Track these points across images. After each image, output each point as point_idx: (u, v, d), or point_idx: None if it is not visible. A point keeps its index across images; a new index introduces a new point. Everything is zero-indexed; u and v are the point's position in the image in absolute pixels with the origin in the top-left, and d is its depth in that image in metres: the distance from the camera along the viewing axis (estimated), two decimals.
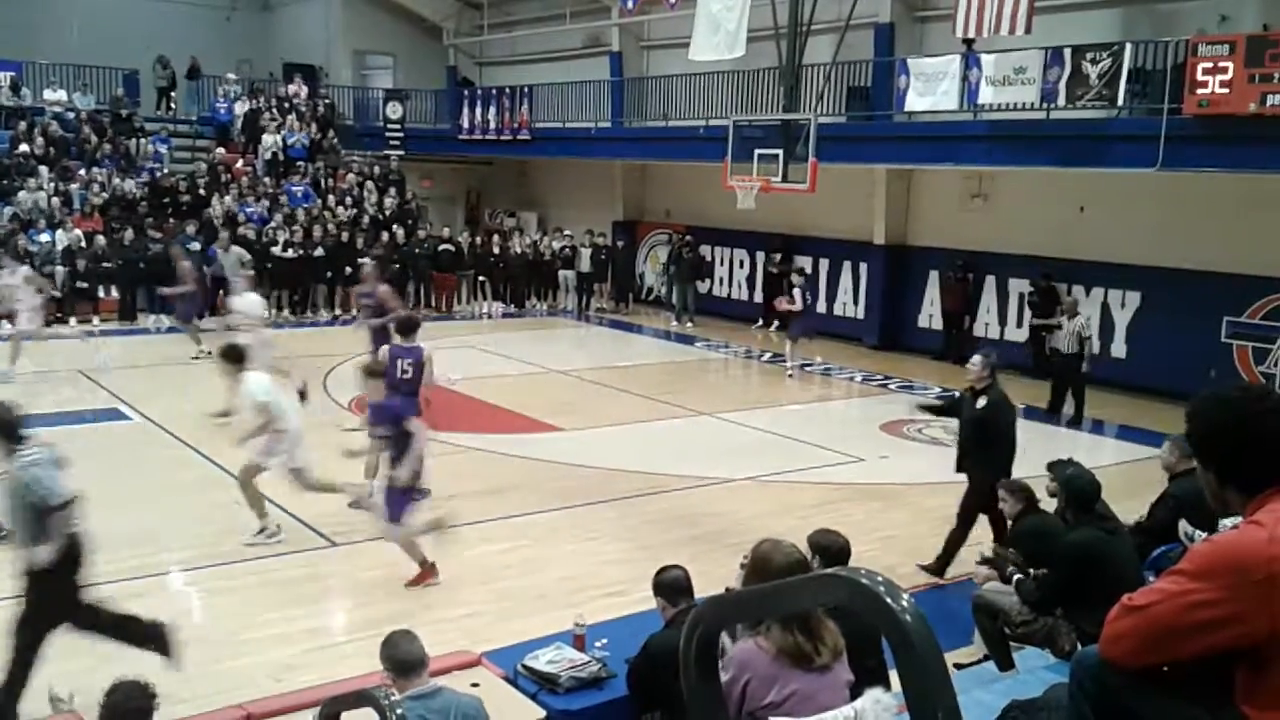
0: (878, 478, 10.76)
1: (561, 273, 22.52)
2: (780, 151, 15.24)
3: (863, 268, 19.08)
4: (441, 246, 21.69)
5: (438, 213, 25.01)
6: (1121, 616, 2.09)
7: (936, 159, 16.27)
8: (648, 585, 4.59)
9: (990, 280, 17.24)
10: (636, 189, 23.92)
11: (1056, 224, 16.03)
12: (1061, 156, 14.21)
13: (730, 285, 21.83)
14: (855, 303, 19.28)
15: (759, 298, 20.81)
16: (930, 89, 15.22)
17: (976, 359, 8.10)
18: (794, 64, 15.75)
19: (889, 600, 1.58)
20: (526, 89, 23.46)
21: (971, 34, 14.37)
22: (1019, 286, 16.73)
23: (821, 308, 19.51)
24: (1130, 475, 8.72)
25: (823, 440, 11.78)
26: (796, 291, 15.92)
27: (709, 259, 21.79)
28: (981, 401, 7.93)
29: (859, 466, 11.12)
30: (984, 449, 7.78)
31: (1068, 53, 13.39)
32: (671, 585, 4.49)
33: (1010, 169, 15.77)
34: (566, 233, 23.05)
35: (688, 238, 21.64)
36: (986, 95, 14.49)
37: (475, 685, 4.53)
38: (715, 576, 5.28)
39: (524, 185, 26.67)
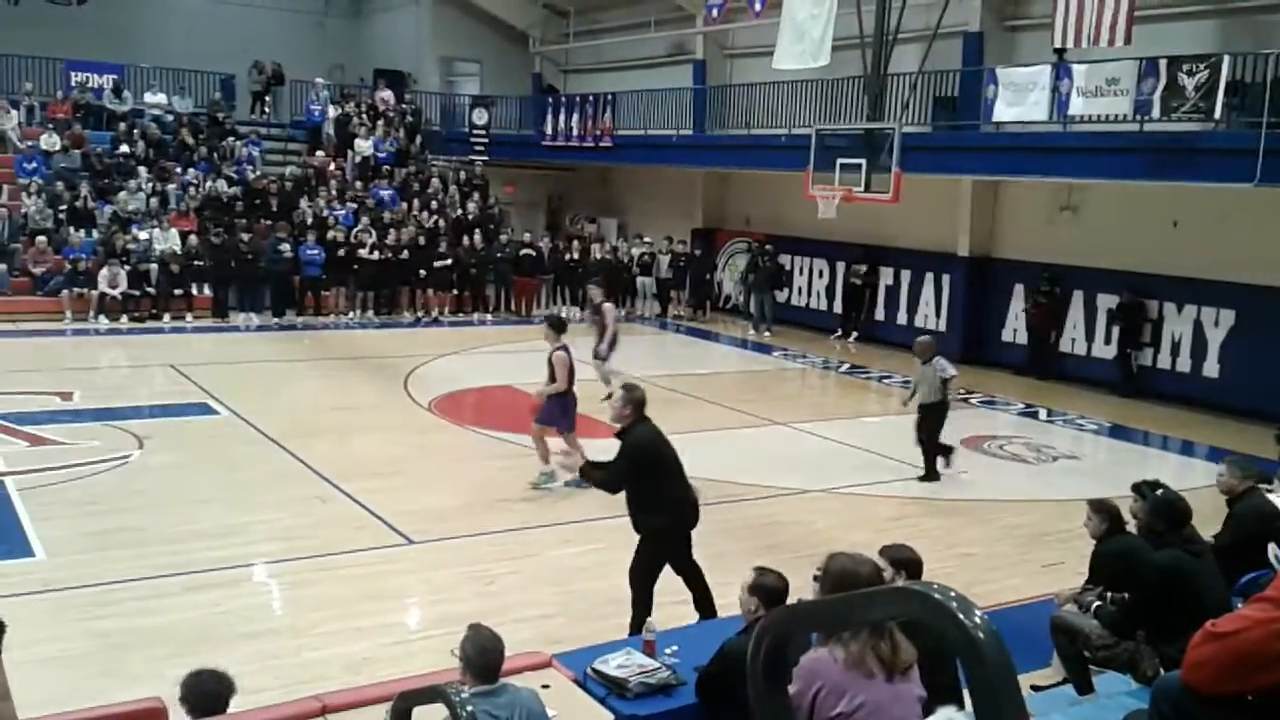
0: (957, 493, 10.60)
1: (640, 279, 22.60)
2: (863, 161, 15.11)
3: (945, 279, 18.81)
4: (522, 251, 21.93)
5: (519, 218, 25.28)
6: (1205, 643, 2.05)
7: (1024, 170, 15.97)
8: (717, 593, 4.60)
9: (1078, 295, 16.86)
10: (717, 197, 23.91)
11: (1148, 239, 15.62)
12: (1154, 169, 13.85)
13: (809, 295, 21.69)
14: (937, 315, 19.02)
15: (838, 308, 20.65)
16: (1019, 99, 14.96)
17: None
18: (879, 73, 15.62)
19: (961, 615, 1.56)
20: (610, 96, 23.60)
21: (1069, 44, 14.09)
22: (1107, 302, 16.35)
23: (902, 319, 19.28)
24: (1219, 499, 8.46)
25: (901, 453, 11.62)
26: None
27: (788, 268, 21.69)
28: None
29: (938, 482, 10.96)
30: None
31: (1163, 64, 13.05)
32: (771, 591, 4.48)
33: (1100, 181, 15.43)
34: (646, 239, 23.13)
35: (767, 246, 21.57)
36: (1077, 106, 14.18)
37: (546, 686, 4.58)
38: (791, 588, 5.26)
39: (605, 191, 26.83)
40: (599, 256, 22.63)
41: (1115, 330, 16.05)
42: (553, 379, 9.88)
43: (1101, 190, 16.07)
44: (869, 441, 12.52)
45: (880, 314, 19.81)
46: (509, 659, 4.18)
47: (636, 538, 6.57)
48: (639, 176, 25.17)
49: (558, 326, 10.17)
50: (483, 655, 3.92)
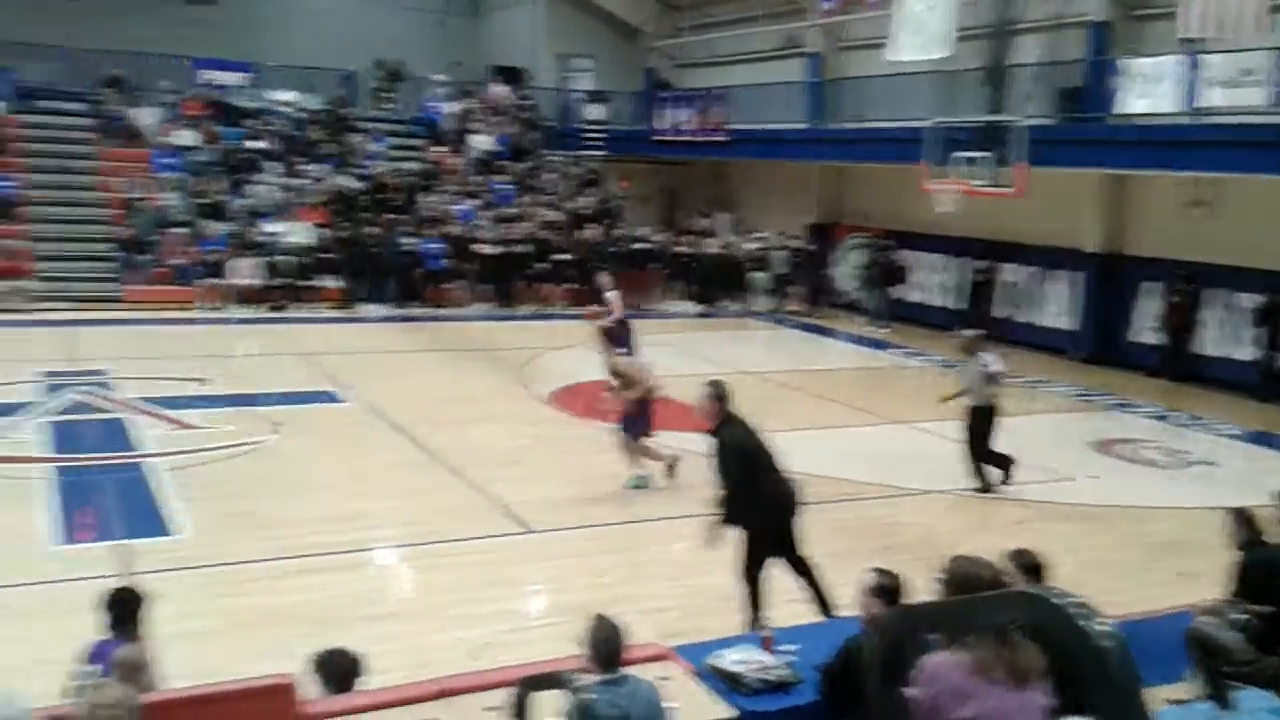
0: (1086, 498, 10.28)
1: (754, 274, 22.50)
2: (984, 154, 14.78)
3: (1071, 276, 18.24)
4: (636, 245, 22.04)
5: (634, 212, 25.42)
6: None
7: (1154, 164, 15.38)
8: (841, 593, 4.57)
9: (1215, 295, 16.15)
10: (833, 191, 23.64)
11: None
12: None
13: (928, 291, 21.28)
14: (1063, 313, 18.46)
15: (958, 305, 20.21)
16: (1148, 90, 14.44)
17: None
18: (1000, 64, 15.23)
19: (1082, 622, 1.53)
20: (723, 90, 23.53)
21: (1199, 34, 13.53)
22: (1246, 301, 15.63)
23: (1026, 317, 18.78)
24: None
25: (1026, 456, 11.33)
26: None
27: (906, 264, 21.32)
28: None
29: (1066, 485, 10.66)
30: None
31: None
32: (888, 592, 4.45)
33: (1237, 175, 14.76)
34: (760, 234, 23.00)
35: (884, 241, 21.24)
36: (1209, 97, 13.60)
37: (665, 679, 4.62)
38: (909, 590, 5.20)
39: (719, 186, 26.78)
40: (712, 251, 22.60)
41: (1256, 332, 15.34)
42: (627, 386, 9.86)
43: (1239, 185, 15.36)
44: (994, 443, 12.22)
45: (1002, 311, 19.31)
46: (627, 651, 4.23)
47: (739, 533, 6.58)
48: (753, 171, 25.05)
49: (610, 335, 10.19)
50: (606, 645, 3.97)
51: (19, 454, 10.16)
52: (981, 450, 10.16)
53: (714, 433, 6.65)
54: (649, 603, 7.13)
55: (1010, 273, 19.19)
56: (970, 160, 15.03)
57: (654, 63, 28.01)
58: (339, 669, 4.64)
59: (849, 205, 23.46)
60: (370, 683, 4.79)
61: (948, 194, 15.27)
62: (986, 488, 10.14)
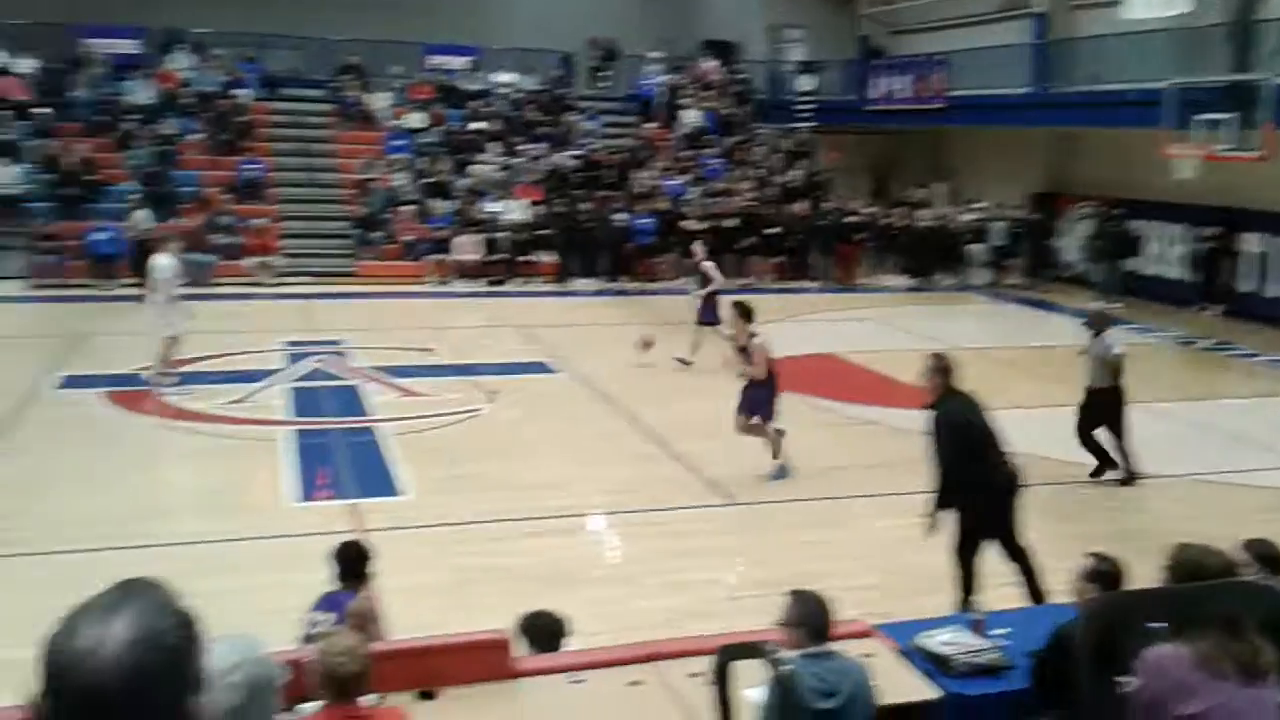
0: None
1: (971, 246, 21.69)
2: (1229, 116, 13.69)
3: None
4: (847, 218, 21.65)
5: (844, 184, 24.96)
6: None
7: None
8: (1056, 579, 4.40)
9: None
10: (1059, 158, 22.44)
11: None
12: None
13: (1162, 263, 19.93)
14: None
15: (1195, 277, 18.85)
16: None
17: None
18: (1247, 18, 14.04)
19: None
20: (941, 56, 22.70)
21: None
22: None
23: (1276, 290, 17.35)
24: None
25: (1275, 440, 10.50)
26: None
27: (1139, 234, 20.03)
28: None
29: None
30: None
31: None
32: (1107, 578, 4.25)
33: None
34: (978, 204, 22.13)
35: (1115, 211, 20.02)
36: None
37: (869, 656, 4.57)
38: (1130, 578, 4.94)
39: (934, 155, 25.91)
40: (926, 223, 21.93)
41: None
42: (751, 363, 9.34)
43: None
44: (1233, 425, 11.40)
45: (1250, 284, 17.87)
46: (833, 626, 4.21)
47: (954, 513, 6.39)
48: (972, 139, 24.10)
49: (747, 314, 9.44)
50: (814, 617, 3.95)
51: (265, 417, 11.01)
52: (1086, 436, 9.32)
53: (933, 406, 6.47)
54: (853, 579, 7.04)
55: (1255, 242, 17.73)
56: (1213, 123, 13.95)
57: (867, 30, 27.34)
58: (545, 630, 4.82)
59: (1076, 173, 22.22)
60: (580, 644, 4.95)
61: (1188, 159, 14.25)
62: (1118, 470, 9.26)
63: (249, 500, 8.61)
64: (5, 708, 3.50)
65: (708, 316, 13.50)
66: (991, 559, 6.41)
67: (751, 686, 3.96)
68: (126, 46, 22.91)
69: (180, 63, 22.88)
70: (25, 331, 15.23)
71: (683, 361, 13.37)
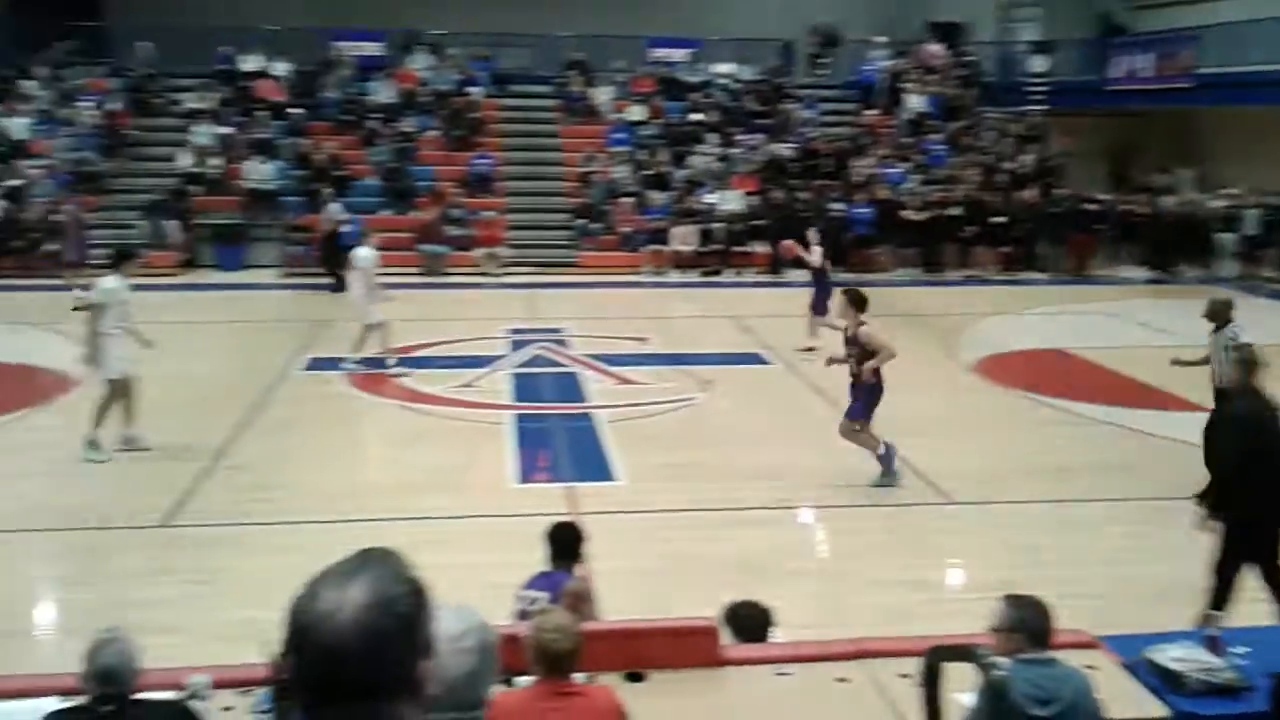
0: None
1: (1220, 235, 20.14)
2: None
3: None
4: (1081, 206, 20.55)
5: (1079, 169, 23.67)
6: None
7: None
8: None
9: None
10: None
11: None
12: None
13: None
14: None
15: None
16: None
17: None
18: None
19: None
20: (1190, 31, 21.14)
21: None
22: None
23: None
24: None
25: None
26: None
27: None
28: None
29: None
30: None
31: None
32: None
33: None
34: (1230, 190, 20.52)
35: None
36: None
37: (1091, 668, 4.36)
38: None
39: (1180, 138, 24.19)
40: (1170, 210, 20.54)
41: None
42: (867, 356, 8.61)
43: None
44: None
45: None
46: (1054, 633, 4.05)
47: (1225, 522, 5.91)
48: (1226, 119, 22.34)
49: (855, 301, 8.77)
50: (1032, 622, 3.80)
51: (490, 401, 11.52)
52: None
53: (1225, 401, 6.01)
54: (1076, 587, 6.69)
55: None
56: None
57: (1107, 6, 25.80)
58: (750, 620, 4.84)
59: None
60: (788, 635, 4.95)
61: None
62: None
63: (473, 480, 9.04)
64: (251, 663, 3.85)
65: (819, 307, 13.25)
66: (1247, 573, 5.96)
67: (962, 690, 3.86)
68: (371, 49, 24.41)
69: (419, 63, 24.15)
70: (278, 316, 16.49)
71: (808, 350, 13.20)
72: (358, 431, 10.74)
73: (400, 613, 1.43)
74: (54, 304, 14.96)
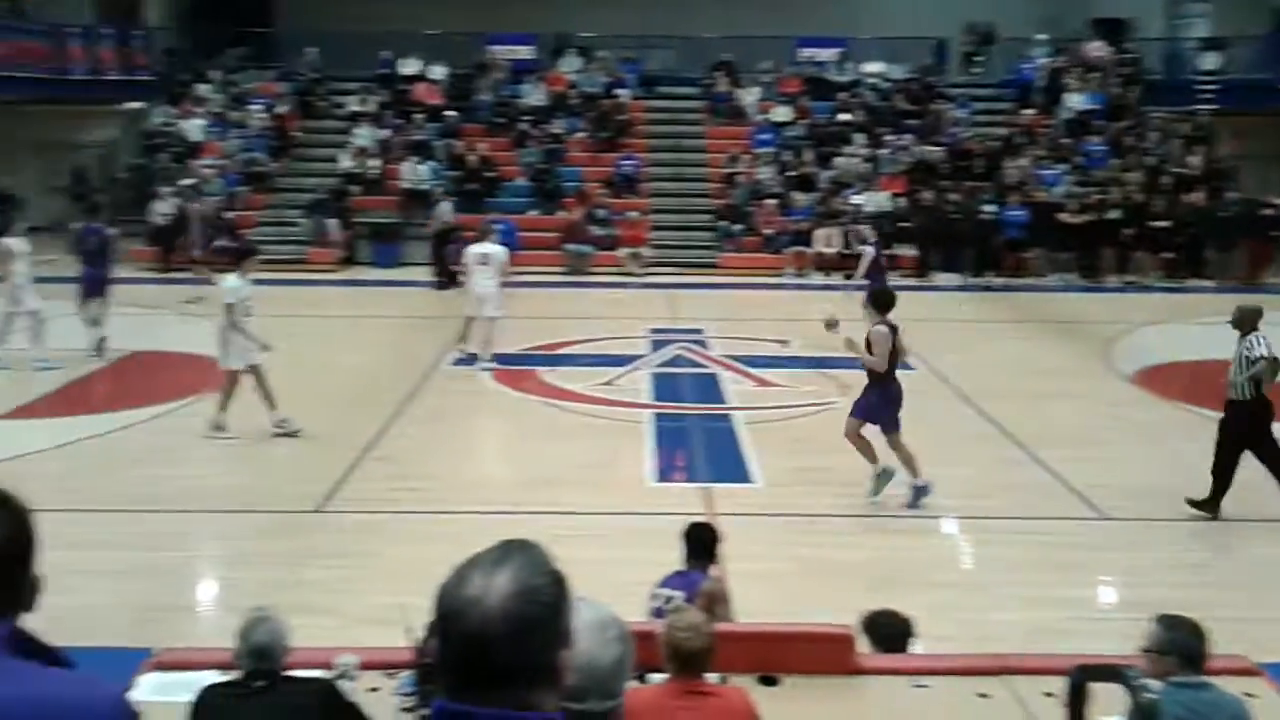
0: None
1: None
2: None
3: None
4: (1256, 210, 19.44)
5: (1252, 173, 22.37)
6: None
7: None
8: None
9: None
10: None
11: None
12: None
13: None
14: None
15: None
16: None
17: None
18: None
19: None
20: None
21: None
22: None
23: None
24: None
25: None
26: None
27: None
28: None
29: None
30: None
31: None
32: None
33: None
34: None
35: None
36: None
37: (1250, 696, 4.13)
38: None
39: None
40: None
41: None
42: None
43: None
44: None
45: None
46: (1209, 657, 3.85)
47: None
48: None
49: (879, 304, 8.53)
50: (1187, 644, 3.63)
51: (630, 399, 11.62)
52: (1225, 462, 7.87)
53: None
54: (1236, 610, 6.36)
55: None
56: None
57: None
58: (891, 630, 4.76)
59: None
60: (920, 648, 4.85)
61: None
62: (1209, 507, 7.92)
63: (611, 477, 9.14)
64: (397, 647, 3.99)
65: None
66: None
67: (1109, 714, 3.71)
68: (523, 52, 24.95)
69: (569, 66, 24.54)
70: (429, 312, 17.00)
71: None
72: (500, 426, 10.99)
73: (543, 602, 1.47)
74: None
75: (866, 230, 14.79)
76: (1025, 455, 9.62)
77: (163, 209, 19.81)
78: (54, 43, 23.43)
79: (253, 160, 21.82)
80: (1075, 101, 23.04)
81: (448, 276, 17.48)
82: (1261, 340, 7.90)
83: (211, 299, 11.95)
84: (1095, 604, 6.93)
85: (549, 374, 12.49)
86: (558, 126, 22.85)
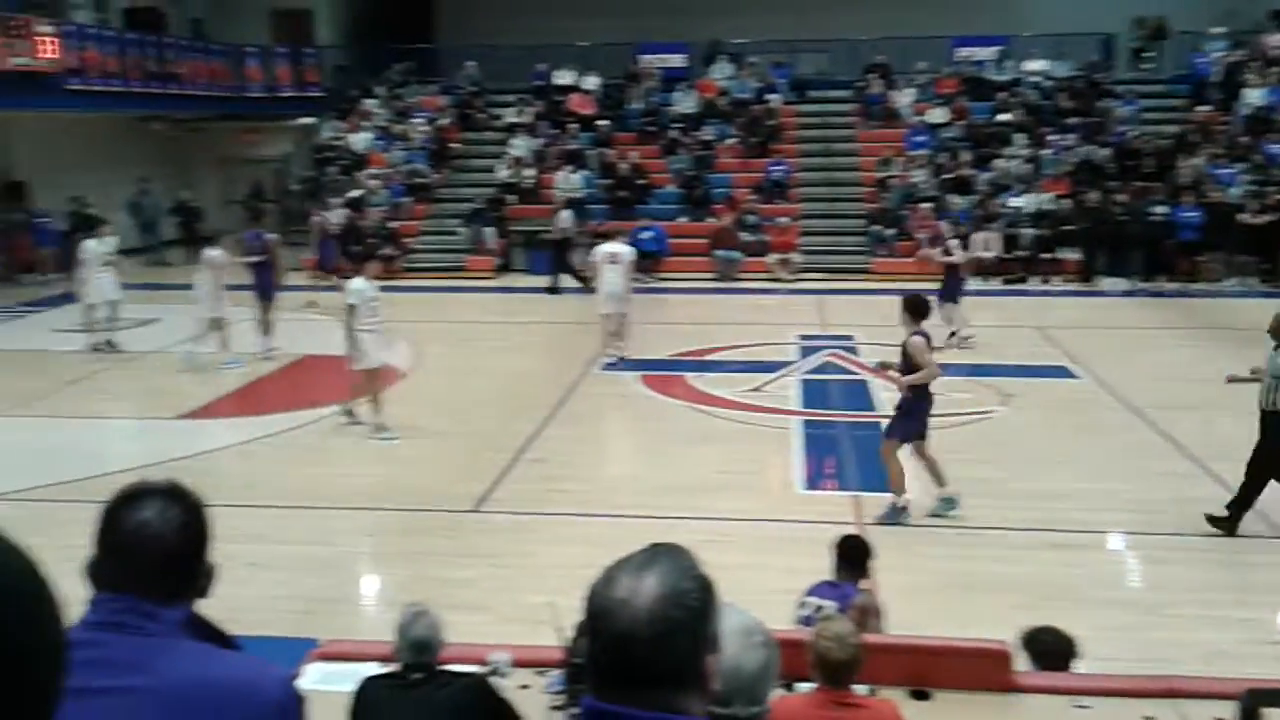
0: None
1: None
2: None
3: None
4: None
5: None
6: None
7: None
8: None
9: None
10: None
11: None
12: None
13: None
14: None
15: None
16: None
17: None
18: None
19: None
20: None
21: None
22: None
23: None
24: None
25: None
26: None
27: None
28: None
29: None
30: None
31: None
32: None
33: None
34: None
35: None
36: None
37: None
38: None
39: None
40: None
41: None
42: (910, 370, 7.99)
43: None
44: None
45: None
46: None
47: None
48: None
49: (915, 311, 8.19)
50: None
51: (778, 406, 11.54)
52: (1253, 474, 7.52)
53: None
54: None
55: None
56: None
57: None
58: (1051, 647, 4.59)
59: None
60: (1082, 667, 4.66)
61: None
62: (1227, 525, 7.55)
63: (759, 483, 9.10)
64: (547, 645, 4.06)
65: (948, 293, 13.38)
66: None
67: None
68: (675, 60, 25.12)
69: (720, 73, 24.58)
70: (582, 318, 17.24)
71: (956, 335, 13.58)
72: (649, 430, 11.07)
73: (690, 606, 1.48)
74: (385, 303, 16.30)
75: (945, 225, 14.77)
76: (1198, 469, 9.13)
77: (332, 219, 20.71)
78: (233, 63, 24.89)
79: (415, 171, 22.61)
80: (1254, 97, 21.73)
81: (581, 280, 17.75)
82: None
83: (329, 302, 12.56)
84: (1271, 626, 6.51)
85: (697, 379, 12.52)
86: (708, 133, 22.90)
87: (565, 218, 19.58)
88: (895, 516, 7.95)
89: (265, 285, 13.91)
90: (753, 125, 22.98)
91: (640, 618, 1.44)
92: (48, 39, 18.83)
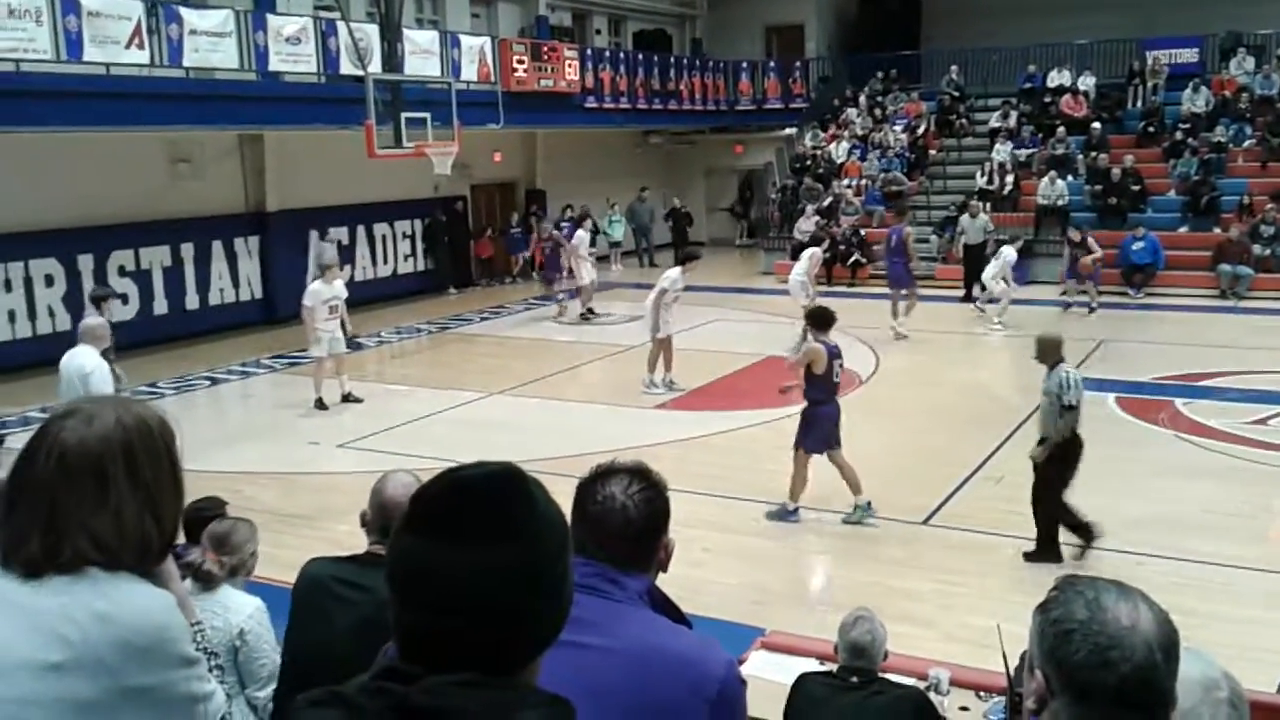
0: None
1: None
2: None
3: None
4: None
5: None
6: None
7: None
8: None
9: None
10: None
11: None
12: None
13: None
14: None
15: None
16: None
17: None
18: None
19: None
20: None
21: None
22: None
23: None
24: None
25: None
26: None
27: None
28: None
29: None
30: None
31: None
32: None
33: None
34: None
35: None
36: None
37: None
38: None
39: None
40: None
41: None
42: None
43: None
44: None
45: None
46: None
47: None
48: None
49: (817, 323, 8.42)
50: None
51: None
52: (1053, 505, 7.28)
53: None
54: None
55: None
56: None
57: None
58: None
59: None
60: None
61: None
62: (1050, 553, 7.24)
63: (1254, 528, 8.11)
64: (990, 670, 3.94)
65: None
66: None
67: None
68: (1185, 55, 22.89)
69: (1240, 67, 22.03)
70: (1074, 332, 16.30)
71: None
72: (1122, 458, 10.21)
73: (1175, 638, 1.51)
74: (867, 310, 16.37)
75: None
76: None
77: (805, 226, 21.30)
78: (727, 78, 26.45)
79: (891, 179, 22.55)
80: None
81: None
82: (1067, 372, 7.42)
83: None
84: None
85: (1186, 405, 11.37)
86: (1220, 134, 20.61)
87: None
88: (786, 517, 8.28)
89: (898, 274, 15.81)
90: (1275, 126, 20.33)
91: (1150, 643, 1.48)
92: (571, 62, 21.18)
